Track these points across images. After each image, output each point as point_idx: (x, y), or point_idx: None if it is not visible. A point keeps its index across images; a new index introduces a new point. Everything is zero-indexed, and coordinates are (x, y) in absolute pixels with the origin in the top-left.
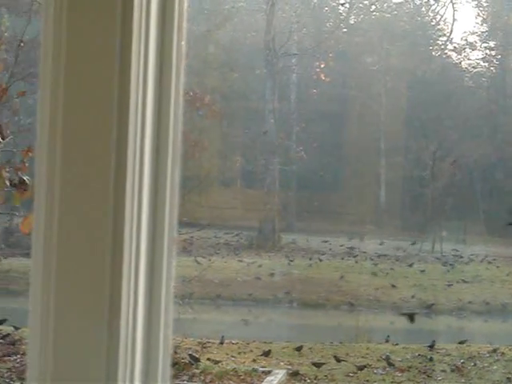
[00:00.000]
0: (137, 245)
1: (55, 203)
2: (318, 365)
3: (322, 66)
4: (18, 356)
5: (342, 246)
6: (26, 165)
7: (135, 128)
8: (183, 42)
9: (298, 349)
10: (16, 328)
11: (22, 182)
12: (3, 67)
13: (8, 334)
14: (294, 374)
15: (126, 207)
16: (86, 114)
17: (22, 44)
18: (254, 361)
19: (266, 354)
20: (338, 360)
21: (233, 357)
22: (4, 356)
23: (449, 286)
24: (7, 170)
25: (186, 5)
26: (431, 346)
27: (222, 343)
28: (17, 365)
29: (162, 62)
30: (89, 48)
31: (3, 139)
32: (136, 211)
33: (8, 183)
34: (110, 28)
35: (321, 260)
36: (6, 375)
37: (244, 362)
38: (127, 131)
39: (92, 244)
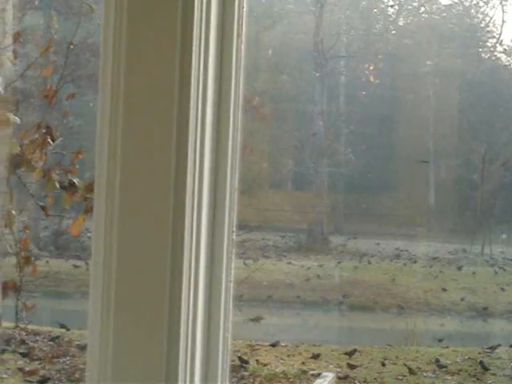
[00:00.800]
0: (196, 248)
1: (115, 207)
2: (352, 366)
3: (371, 68)
4: (68, 358)
5: (391, 248)
6: (76, 167)
7: (195, 132)
8: (242, 46)
9: (348, 352)
10: (66, 329)
11: (72, 184)
12: (53, 70)
13: (58, 336)
14: (344, 378)
15: (186, 211)
16: (146, 118)
17: (71, 46)
18: (304, 363)
19: (316, 356)
20: (383, 364)
21: (282, 359)
22: (53, 357)
23: (500, 289)
24: (57, 172)
25: (244, 10)
26: (485, 349)
27: (274, 345)
28: (66, 366)
29: (221, 67)
30: (149, 51)
31: (53, 141)
32: (195, 215)
33: (58, 185)
34: (170, 33)
35: (370, 262)
36: (55, 377)
37: (293, 365)
38: (187, 135)
39: (152, 247)
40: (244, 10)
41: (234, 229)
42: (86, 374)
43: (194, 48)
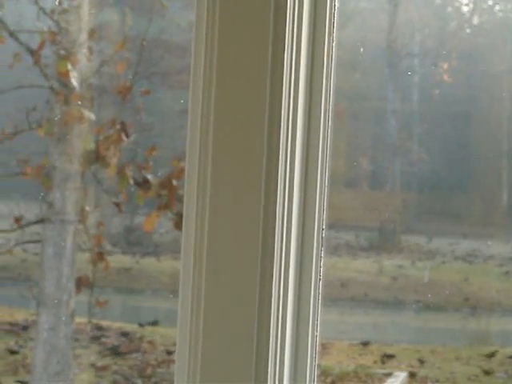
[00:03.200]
0: (286, 246)
1: (205, 206)
2: (424, 366)
3: (445, 66)
4: (139, 354)
5: (464, 247)
6: (150, 163)
7: (286, 130)
8: (334, 45)
9: (420, 351)
10: (136, 325)
11: (146, 180)
12: (126, 66)
13: (129, 332)
14: (416, 377)
15: (277, 209)
16: (237, 117)
17: (144, 43)
18: (375, 362)
19: (388, 355)
20: (456, 364)
21: (353, 358)
22: (126, 353)
23: None
24: (131, 168)
25: (336, 9)
26: None
27: (345, 344)
28: (138, 362)
29: (312, 65)
30: (241, 50)
31: (127, 138)
32: (286, 213)
33: (132, 182)
34: (261, 33)
35: (443, 262)
36: (126, 372)
37: (365, 364)
38: (278, 134)
39: (242, 245)
40: (336, 8)
41: (324, 227)
42: (175, 375)
43: (286, 46)
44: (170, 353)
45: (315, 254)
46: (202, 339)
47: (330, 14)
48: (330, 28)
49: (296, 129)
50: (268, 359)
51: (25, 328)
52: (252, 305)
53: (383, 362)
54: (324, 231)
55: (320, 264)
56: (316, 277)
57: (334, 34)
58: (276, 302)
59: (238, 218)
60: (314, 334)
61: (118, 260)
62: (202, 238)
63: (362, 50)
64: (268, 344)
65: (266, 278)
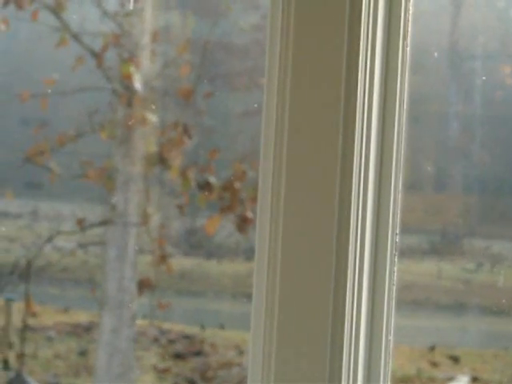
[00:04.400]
0: (360, 250)
1: (280, 207)
2: (486, 369)
3: (508, 69)
4: (201, 356)
5: None
6: (212, 166)
7: (361, 133)
8: (408, 49)
9: (482, 355)
10: (197, 327)
11: (208, 183)
12: (189, 69)
13: (191, 335)
14: (479, 381)
15: (351, 214)
16: (311, 119)
17: (208, 45)
18: (437, 366)
19: (450, 358)
20: None
21: (415, 361)
22: (187, 356)
23: None
24: (193, 171)
25: (410, 13)
26: None
27: (407, 347)
28: (199, 365)
29: (387, 68)
30: (316, 53)
31: (189, 140)
32: (360, 217)
33: (194, 184)
34: (336, 36)
35: (505, 266)
36: (187, 375)
37: (427, 367)
38: (353, 137)
39: (316, 248)
40: (410, 12)
41: (398, 231)
42: (248, 375)
43: (360, 49)
44: (231, 355)
45: (389, 259)
46: (276, 341)
47: (405, 17)
48: (404, 32)
49: (370, 132)
50: (342, 360)
51: (87, 330)
52: (326, 307)
53: (446, 366)
54: (398, 236)
55: (394, 269)
56: (390, 281)
57: (409, 39)
58: (350, 305)
59: (312, 221)
60: (388, 338)
61: (179, 262)
62: (276, 241)
63: (423, 52)
64: (342, 345)
65: (340, 281)
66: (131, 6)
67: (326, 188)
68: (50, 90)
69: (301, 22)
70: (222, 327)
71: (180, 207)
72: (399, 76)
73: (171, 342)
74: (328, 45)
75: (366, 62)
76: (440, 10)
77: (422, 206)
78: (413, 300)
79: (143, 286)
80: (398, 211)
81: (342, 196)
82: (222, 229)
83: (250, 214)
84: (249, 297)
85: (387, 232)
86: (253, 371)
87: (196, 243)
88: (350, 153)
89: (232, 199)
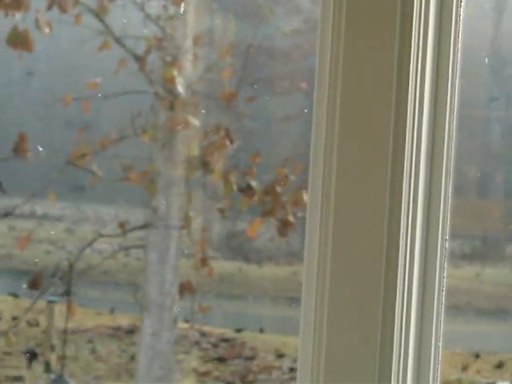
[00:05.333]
0: (410, 255)
1: (330, 212)
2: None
3: None
4: (241, 360)
5: None
6: (254, 170)
7: (411, 137)
8: (459, 54)
9: None
10: (238, 331)
11: (250, 187)
12: (231, 72)
13: (231, 338)
14: None
15: (401, 218)
16: (362, 124)
17: (250, 49)
18: (479, 372)
19: (492, 364)
20: None
21: (456, 366)
22: (227, 359)
23: None
24: (235, 174)
25: (461, 18)
26: None
27: (448, 352)
28: (239, 368)
29: (438, 74)
30: (367, 56)
31: (231, 144)
32: (410, 222)
33: (235, 188)
34: (387, 40)
35: None
36: (228, 379)
37: (469, 373)
38: (404, 141)
39: (366, 253)
40: (461, 17)
41: (447, 237)
42: (297, 375)
43: (411, 52)
44: (271, 359)
45: (438, 264)
46: (325, 343)
47: (456, 22)
48: (455, 36)
49: (421, 136)
50: (391, 364)
51: (127, 333)
52: (376, 310)
53: (487, 371)
54: (447, 241)
55: (443, 274)
56: (439, 286)
57: (460, 44)
58: (400, 309)
59: (362, 226)
60: (437, 344)
61: (219, 266)
62: (326, 245)
63: (467, 57)
64: (391, 347)
65: (389, 284)
66: (174, 10)
67: (376, 193)
68: (93, 94)
69: (352, 25)
70: (262, 331)
71: (221, 211)
72: (450, 80)
73: (212, 345)
74: (379, 48)
75: (416, 66)
76: (483, 15)
77: (464, 210)
78: (454, 305)
79: (184, 289)
80: (448, 217)
81: (392, 201)
82: (263, 232)
83: (291, 218)
84: (289, 300)
85: (437, 237)
86: (302, 372)
87: (237, 247)
88: (400, 157)
89: (273, 203)
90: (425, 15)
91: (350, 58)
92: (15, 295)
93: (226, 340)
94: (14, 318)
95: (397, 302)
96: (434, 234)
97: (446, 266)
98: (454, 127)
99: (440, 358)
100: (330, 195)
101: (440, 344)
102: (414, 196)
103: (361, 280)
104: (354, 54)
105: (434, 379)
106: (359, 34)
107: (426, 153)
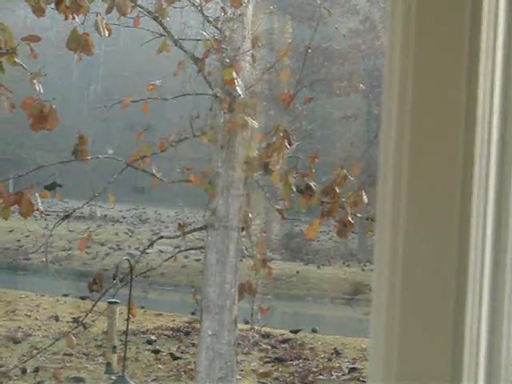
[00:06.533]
0: (482, 252)
1: (401, 212)
2: None
3: None
4: (300, 361)
5: None
6: (313, 171)
7: (481, 136)
8: None
9: None
10: (294, 332)
11: (309, 187)
12: (290, 74)
13: (290, 339)
14: None
15: (472, 216)
16: (432, 122)
17: (309, 51)
18: None
19: None
20: None
21: None
22: (287, 360)
23: None
24: (294, 175)
25: None
26: None
27: None
28: (299, 369)
29: (509, 70)
30: (437, 57)
31: (290, 145)
32: (481, 220)
33: (294, 189)
34: (457, 42)
35: None
36: (288, 379)
37: None
38: (474, 139)
39: (437, 251)
40: None
41: None
42: (368, 374)
43: (481, 48)
44: (330, 359)
45: (510, 262)
46: (397, 341)
47: None
48: None
49: (491, 138)
50: (463, 360)
51: (187, 334)
52: (447, 309)
53: None
54: None
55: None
56: (511, 284)
57: None
58: (471, 307)
59: (433, 226)
60: (510, 344)
61: (277, 266)
62: (397, 245)
63: None
64: (463, 346)
65: (461, 285)
66: (232, 12)
67: (447, 192)
68: (152, 96)
69: (421, 23)
70: (321, 331)
71: (280, 212)
72: None
73: (271, 346)
74: (449, 49)
75: (486, 68)
76: None
77: None
78: None
79: (243, 290)
80: None
81: (463, 201)
82: (322, 233)
83: (350, 219)
84: (347, 301)
85: (508, 235)
86: (373, 370)
87: (295, 247)
88: (470, 157)
89: (333, 204)
90: (495, 11)
91: (420, 59)
92: (76, 296)
93: (285, 341)
94: (75, 320)
95: (469, 300)
96: (504, 234)
97: None
98: None
99: (511, 358)
100: (400, 196)
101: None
102: (484, 195)
103: (432, 280)
104: (424, 55)
105: (506, 378)
106: (429, 32)
107: (496, 153)
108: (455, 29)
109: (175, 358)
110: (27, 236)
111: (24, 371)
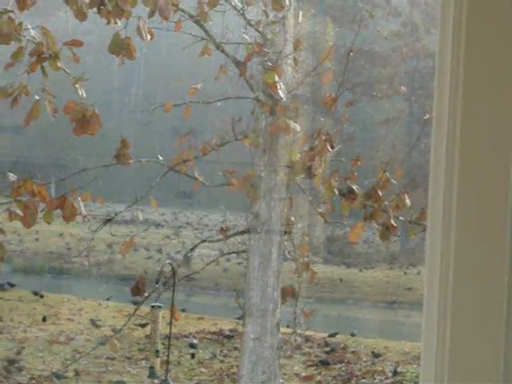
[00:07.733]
0: None
1: (452, 217)
2: None
3: None
4: (343, 364)
5: None
6: (355, 174)
7: None
8: None
9: None
10: (331, 335)
11: (351, 191)
12: (332, 76)
13: (334, 342)
14: None
15: None
16: (484, 125)
17: (351, 53)
18: None
19: None
20: None
21: None
22: (330, 363)
23: None
24: (336, 179)
25: None
26: None
27: None
28: (342, 373)
29: None
30: (488, 58)
31: (332, 148)
32: None
33: (337, 192)
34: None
35: None
36: (331, 383)
37: None
38: None
39: (489, 257)
40: None
41: None
42: (421, 376)
43: None
44: (373, 363)
45: None
46: (449, 342)
47: None
48: None
49: None
50: None
51: (229, 337)
52: (500, 308)
53: None
54: None
55: None
56: None
57: None
58: None
59: (484, 226)
60: None
61: (320, 270)
62: (449, 249)
63: None
64: None
65: None
66: (273, 15)
67: (498, 193)
68: (194, 100)
69: (473, 24)
70: (363, 335)
71: (323, 215)
72: None
73: (313, 349)
74: (501, 48)
75: None
76: None
77: None
78: None
79: (286, 293)
80: None
81: None
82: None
83: (393, 222)
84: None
85: None
86: (425, 372)
87: (337, 251)
88: None
89: (376, 207)
90: None
91: (471, 60)
92: (118, 301)
93: (327, 344)
94: (118, 324)
95: None
96: None
97: None
98: None
99: None
100: (452, 198)
101: None
102: None
103: (484, 282)
104: (475, 57)
105: None
106: (480, 34)
107: None
108: (507, 27)
109: (218, 362)
110: (68, 241)
111: (77, 373)
